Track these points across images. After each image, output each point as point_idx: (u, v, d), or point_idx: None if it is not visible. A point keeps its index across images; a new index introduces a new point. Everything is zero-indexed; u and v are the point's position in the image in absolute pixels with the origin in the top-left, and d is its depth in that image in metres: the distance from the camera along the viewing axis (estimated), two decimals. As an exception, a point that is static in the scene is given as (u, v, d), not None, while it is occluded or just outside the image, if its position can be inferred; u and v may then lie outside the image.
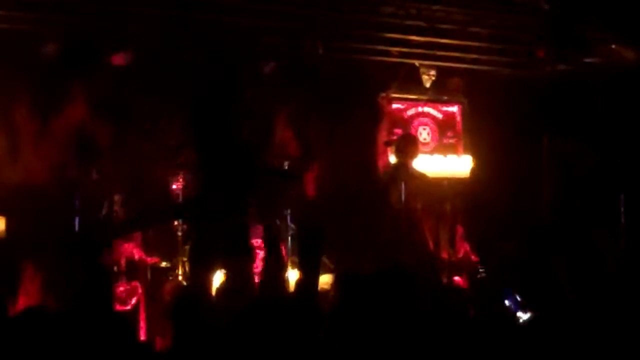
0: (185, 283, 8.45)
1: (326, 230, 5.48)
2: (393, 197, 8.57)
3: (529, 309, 4.75)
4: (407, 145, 8.85)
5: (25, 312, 4.03)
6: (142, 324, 8.10)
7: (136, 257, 8.55)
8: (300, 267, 6.01)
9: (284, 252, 8.83)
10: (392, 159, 10.01)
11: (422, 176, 8.75)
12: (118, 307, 8.13)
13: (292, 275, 8.91)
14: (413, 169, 8.75)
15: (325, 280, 8.90)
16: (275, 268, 7.58)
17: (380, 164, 8.76)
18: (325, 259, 9.27)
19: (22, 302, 7.83)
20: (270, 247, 6.68)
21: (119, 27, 8.67)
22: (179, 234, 8.63)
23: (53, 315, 3.95)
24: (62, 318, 4.00)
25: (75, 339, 3.85)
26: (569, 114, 10.64)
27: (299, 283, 5.50)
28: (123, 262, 8.48)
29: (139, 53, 9.11)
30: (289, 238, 9.07)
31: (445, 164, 10.92)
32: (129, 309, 8.18)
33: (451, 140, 11.29)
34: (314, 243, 5.24)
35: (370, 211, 9.94)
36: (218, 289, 6.76)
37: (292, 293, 5.39)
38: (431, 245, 9.36)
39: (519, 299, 5.62)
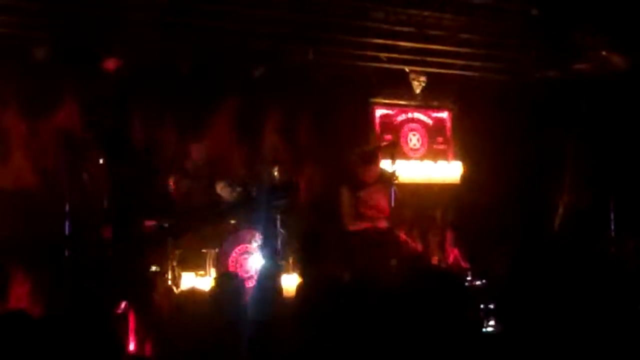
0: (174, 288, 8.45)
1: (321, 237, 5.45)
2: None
3: (499, 319, 4.75)
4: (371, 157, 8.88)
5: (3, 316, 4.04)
6: (132, 328, 8.08)
7: (126, 261, 8.53)
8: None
9: (273, 256, 8.85)
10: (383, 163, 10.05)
11: (390, 178, 8.70)
12: (107, 312, 8.12)
13: (285, 280, 8.93)
14: (383, 172, 8.75)
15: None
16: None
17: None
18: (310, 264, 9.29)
19: (12, 305, 7.82)
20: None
21: (110, 32, 8.67)
22: (169, 238, 8.60)
23: (32, 320, 3.95)
24: (41, 323, 4.00)
25: (53, 344, 3.85)
26: (558, 120, 10.67)
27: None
28: (113, 265, 8.47)
29: (130, 57, 9.12)
30: (279, 243, 9.04)
31: (435, 170, 10.95)
32: (118, 313, 8.16)
33: (441, 146, 11.32)
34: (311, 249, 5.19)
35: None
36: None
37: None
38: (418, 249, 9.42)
39: (491, 307, 5.60)
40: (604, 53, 10.03)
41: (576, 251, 8.99)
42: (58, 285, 8.10)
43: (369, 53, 10.02)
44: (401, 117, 11.17)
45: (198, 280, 8.47)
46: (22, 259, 8.47)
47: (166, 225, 8.59)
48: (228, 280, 5.56)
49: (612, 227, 9.62)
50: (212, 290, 5.34)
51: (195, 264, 8.75)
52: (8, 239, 8.22)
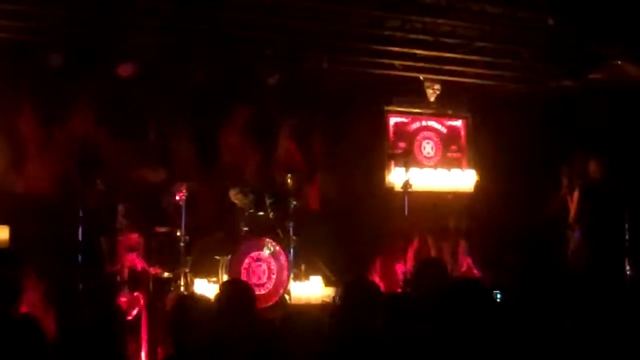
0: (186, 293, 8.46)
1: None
2: None
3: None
4: None
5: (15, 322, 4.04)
6: (144, 334, 8.10)
7: (139, 267, 8.56)
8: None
9: (286, 264, 8.85)
10: (396, 172, 10.04)
11: None
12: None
13: (293, 288, 8.93)
14: None
15: (327, 293, 8.95)
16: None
17: None
18: (326, 271, 9.30)
19: (25, 310, 7.84)
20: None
21: (123, 39, 8.69)
22: (182, 245, 8.62)
23: (41, 326, 3.96)
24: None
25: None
26: (573, 129, 10.63)
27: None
28: (126, 272, 8.49)
29: (143, 64, 9.14)
30: (291, 250, 9.05)
31: (449, 179, 10.92)
32: (131, 319, 8.18)
33: (455, 155, 11.29)
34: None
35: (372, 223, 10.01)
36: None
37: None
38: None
39: None
40: (619, 62, 9.98)
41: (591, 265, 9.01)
42: (71, 290, 8.13)
43: (384, 61, 10.00)
44: (415, 125, 11.16)
45: (210, 287, 8.49)
46: (35, 264, 8.50)
47: (177, 233, 8.64)
48: (234, 287, 5.53)
49: (627, 237, 9.54)
50: (218, 296, 5.33)
51: (207, 270, 8.79)
52: (22, 244, 8.25)
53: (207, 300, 5.38)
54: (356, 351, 4.60)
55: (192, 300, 5.24)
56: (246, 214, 9.06)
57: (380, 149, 10.84)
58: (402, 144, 10.86)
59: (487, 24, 9.35)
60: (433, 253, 10.35)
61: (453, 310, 3.43)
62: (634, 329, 4.69)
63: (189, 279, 8.64)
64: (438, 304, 3.54)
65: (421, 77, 10.51)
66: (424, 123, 11.20)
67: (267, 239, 8.83)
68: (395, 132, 11.01)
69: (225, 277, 8.52)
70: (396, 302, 5.61)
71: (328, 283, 9.14)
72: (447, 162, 11.18)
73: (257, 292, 6.82)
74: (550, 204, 9.82)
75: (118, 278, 8.46)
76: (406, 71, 10.23)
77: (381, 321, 4.95)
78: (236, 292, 5.30)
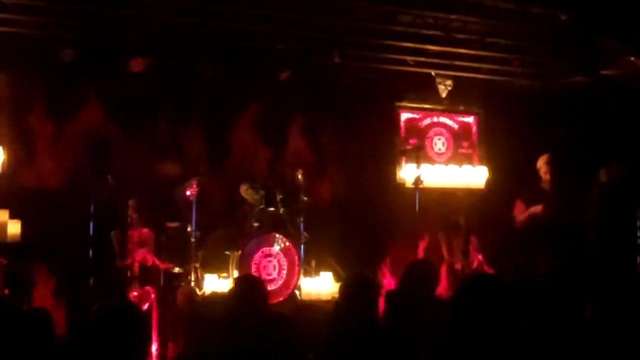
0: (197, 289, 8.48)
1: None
2: None
3: None
4: None
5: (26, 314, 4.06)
6: (155, 329, 8.11)
7: (149, 262, 8.57)
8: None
9: (296, 259, 8.85)
10: (407, 168, 10.02)
11: None
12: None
13: (304, 283, 8.93)
14: None
15: (337, 289, 8.94)
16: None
17: None
18: (337, 267, 9.30)
19: (36, 304, 7.87)
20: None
21: (135, 34, 8.69)
22: (192, 240, 8.62)
23: (51, 319, 3.97)
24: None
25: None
26: (585, 126, 10.58)
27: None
28: (136, 267, 8.50)
29: (155, 59, 9.14)
30: (302, 246, 9.05)
31: (461, 175, 10.86)
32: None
33: (466, 151, 11.27)
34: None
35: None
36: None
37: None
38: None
39: None
40: (632, 59, 9.94)
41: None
42: (82, 285, 8.15)
43: (396, 56, 9.96)
44: (427, 121, 11.13)
45: (221, 282, 8.50)
46: (46, 259, 8.54)
47: (188, 228, 8.65)
48: (247, 282, 5.54)
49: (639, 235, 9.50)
50: (231, 291, 5.34)
51: (218, 265, 8.79)
52: (33, 239, 8.27)
53: (220, 296, 5.38)
54: (356, 345, 4.62)
55: (206, 297, 5.26)
56: (257, 209, 9.05)
57: (391, 145, 10.83)
58: (413, 140, 10.84)
59: (499, 20, 9.31)
60: (444, 249, 10.33)
61: (471, 305, 3.43)
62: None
63: (199, 274, 8.66)
64: (456, 299, 3.54)
65: (433, 73, 10.47)
66: (435, 119, 11.18)
67: (278, 235, 8.83)
68: (406, 128, 10.99)
69: (235, 273, 8.53)
70: (397, 298, 5.64)
71: (338, 279, 9.13)
72: (458, 158, 11.13)
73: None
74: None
75: (128, 273, 8.47)
76: (418, 67, 10.19)
77: (380, 316, 4.97)
78: (248, 287, 5.31)
